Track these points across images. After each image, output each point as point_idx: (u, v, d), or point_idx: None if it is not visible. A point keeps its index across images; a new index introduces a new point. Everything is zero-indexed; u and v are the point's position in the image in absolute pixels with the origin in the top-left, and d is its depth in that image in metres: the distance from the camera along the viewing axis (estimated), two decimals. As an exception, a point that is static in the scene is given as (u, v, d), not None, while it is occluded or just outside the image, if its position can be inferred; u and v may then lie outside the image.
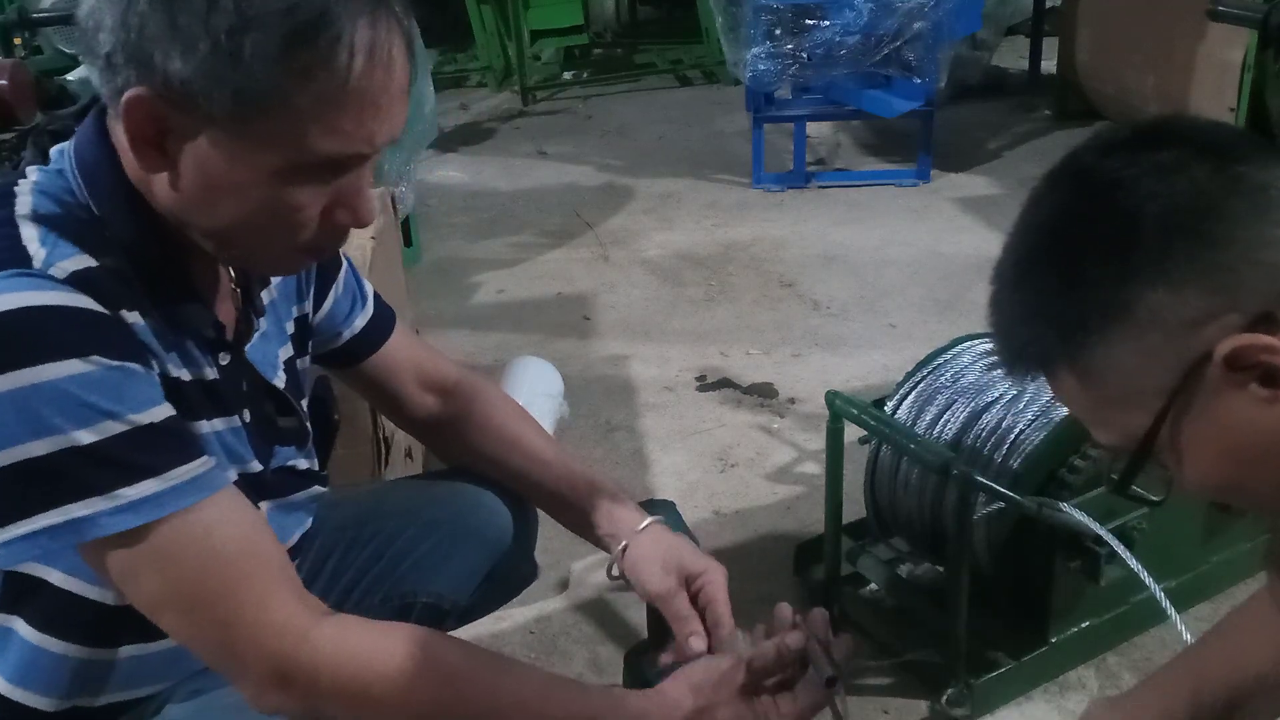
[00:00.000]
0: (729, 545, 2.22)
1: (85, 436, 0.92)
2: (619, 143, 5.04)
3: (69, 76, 3.25)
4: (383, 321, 1.37)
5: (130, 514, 0.94)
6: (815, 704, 1.15)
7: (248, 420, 1.12)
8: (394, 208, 2.85)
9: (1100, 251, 0.79)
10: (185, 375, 1.04)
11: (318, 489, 1.27)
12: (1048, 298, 0.82)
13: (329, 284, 1.30)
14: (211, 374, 1.07)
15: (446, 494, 1.44)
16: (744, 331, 3.17)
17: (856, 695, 1.81)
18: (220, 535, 0.99)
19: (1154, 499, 0.94)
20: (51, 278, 0.94)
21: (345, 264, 1.33)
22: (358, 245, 2.22)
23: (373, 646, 1.04)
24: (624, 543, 1.34)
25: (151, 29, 0.89)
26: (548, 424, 2.48)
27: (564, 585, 2.09)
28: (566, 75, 6.11)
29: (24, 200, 0.99)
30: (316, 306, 1.29)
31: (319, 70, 0.91)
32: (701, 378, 2.92)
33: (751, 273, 3.57)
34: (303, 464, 1.23)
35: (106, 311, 0.95)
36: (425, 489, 1.49)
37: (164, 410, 0.97)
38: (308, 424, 1.23)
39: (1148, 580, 1.55)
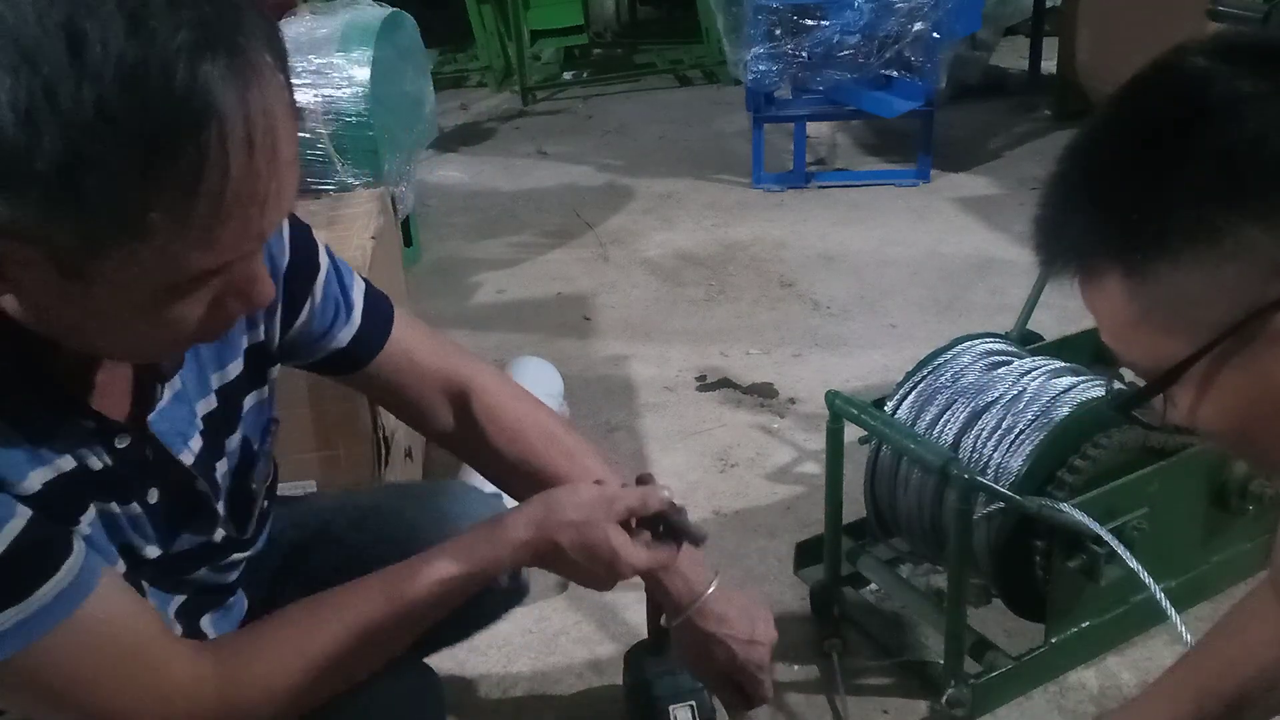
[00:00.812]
0: (729, 545, 2.22)
1: None
2: (619, 143, 5.04)
3: None
4: (376, 323, 1.25)
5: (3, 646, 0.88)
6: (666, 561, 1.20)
7: (153, 502, 1.03)
8: (394, 208, 2.85)
9: (1208, 169, 0.73)
10: (50, 474, 0.92)
11: (237, 555, 1.18)
12: (1127, 199, 0.76)
13: (301, 299, 1.17)
14: (100, 463, 0.96)
15: (437, 500, 1.42)
16: (744, 331, 3.17)
17: (856, 695, 1.81)
18: (103, 633, 0.94)
19: (1152, 425, 0.89)
20: None
21: (323, 272, 1.19)
22: (358, 245, 2.22)
23: (260, 664, 1.04)
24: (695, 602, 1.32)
25: None
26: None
27: (564, 585, 2.09)
28: (566, 75, 6.11)
29: None
30: (286, 326, 1.17)
31: (184, 195, 0.76)
32: (701, 378, 2.92)
33: (751, 273, 3.57)
34: (218, 536, 1.13)
35: None
36: (416, 498, 1.46)
37: (14, 530, 0.87)
38: (217, 503, 1.11)
39: (1147, 580, 1.55)
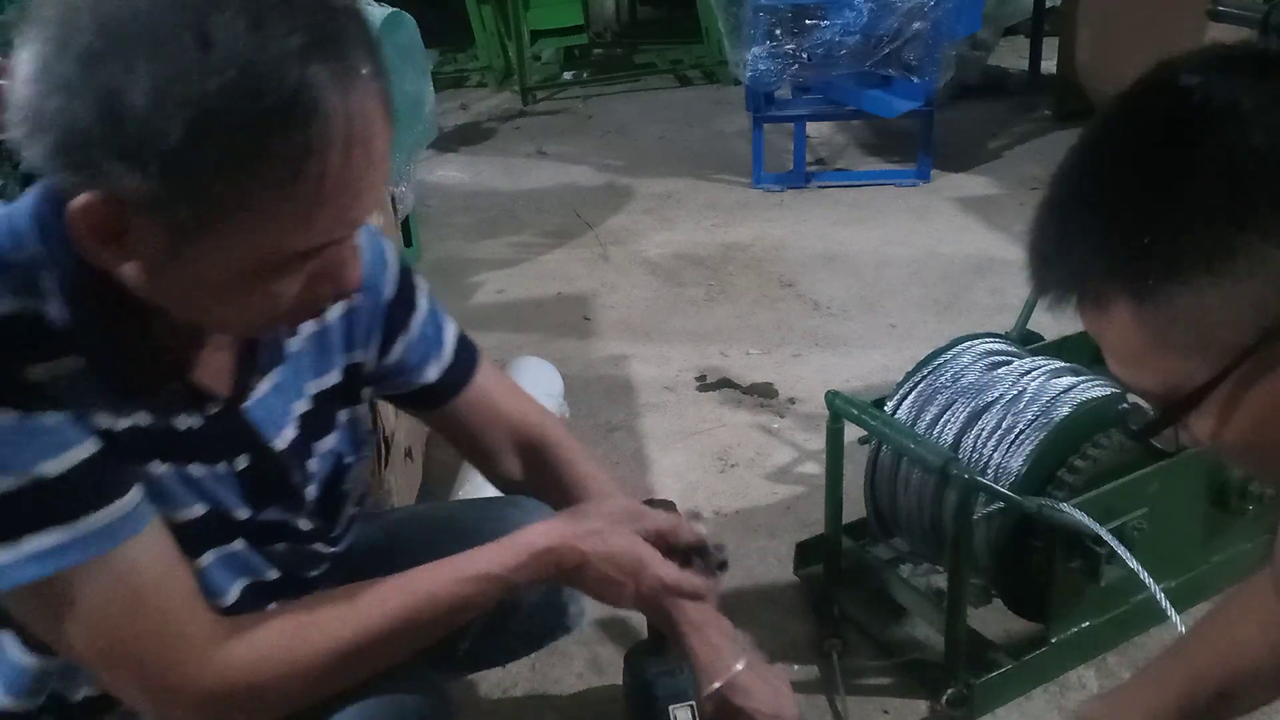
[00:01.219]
0: (729, 545, 2.21)
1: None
2: (619, 143, 5.04)
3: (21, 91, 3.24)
4: (463, 366, 1.33)
5: (36, 564, 0.92)
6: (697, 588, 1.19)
7: (241, 469, 1.09)
8: (394, 207, 2.85)
9: (1218, 188, 0.71)
10: (131, 422, 0.99)
11: (320, 548, 1.22)
12: (1135, 224, 0.74)
13: (397, 332, 1.26)
14: (189, 424, 1.03)
15: (488, 521, 1.39)
16: (744, 331, 3.17)
17: (857, 695, 1.81)
18: (134, 580, 0.97)
19: (1169, 450, 0.88)
20: None
21: (422, 311, 1.28)
22: (358, 245, 2.21)
23: (273, 645, 1.05)
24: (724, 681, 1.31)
25: (97, 142, 0.81)
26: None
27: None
28: (566, 75, 6.11)
29: None
30: (383, 355, 1.25)
31: (290, 176, 0.84)
32: (701, 378, 2.92)
33: (751, 273, 3.57)
34: (303, 524, 1.18)
35: (5, 366, 0.91)
36: (473, 517, 1.43)
37: (76, 457, 0.93)
38: (306, 489, 1.17)
39: (1147, 580, 1.55)
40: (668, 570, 1.15)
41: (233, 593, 1.12)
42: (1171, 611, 1.50)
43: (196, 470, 1.06)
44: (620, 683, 1.64)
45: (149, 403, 1.00)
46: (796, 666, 1.89)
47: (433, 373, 1.30)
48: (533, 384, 2.53)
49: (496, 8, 5.78)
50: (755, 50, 4.02)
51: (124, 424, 0.98)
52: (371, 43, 0.89)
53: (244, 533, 1.12)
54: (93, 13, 0.81)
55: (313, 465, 1.18)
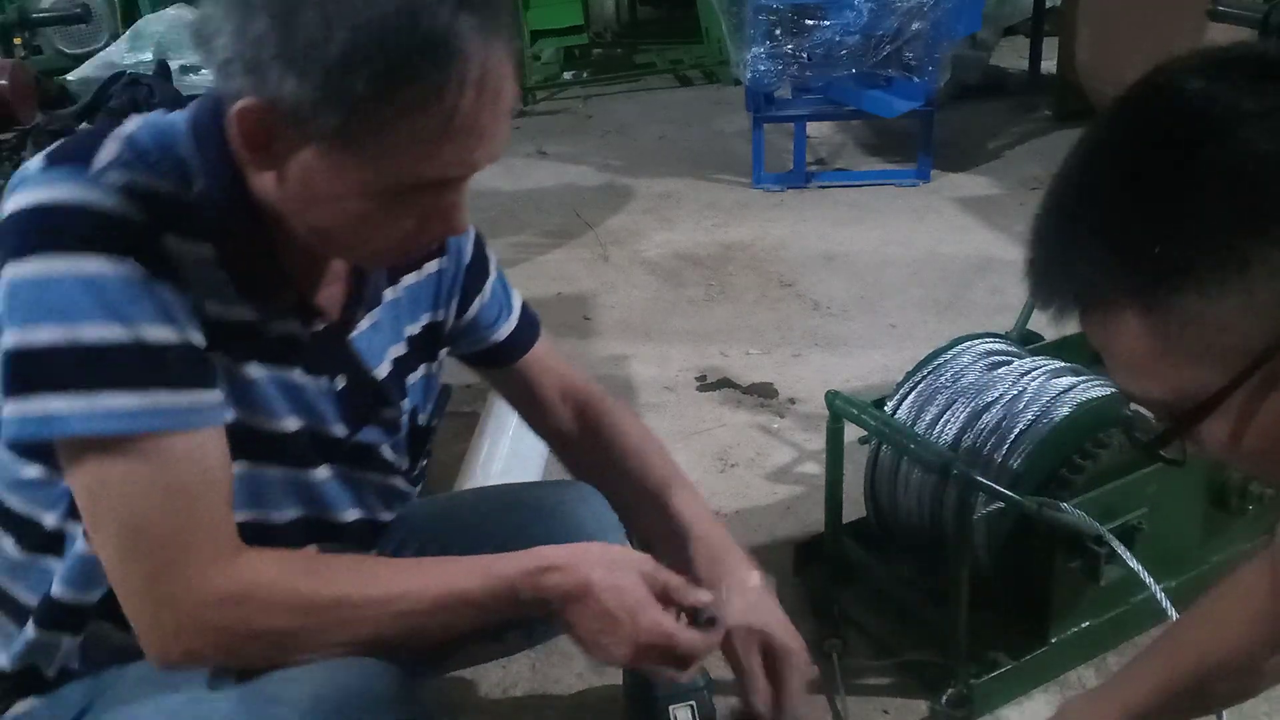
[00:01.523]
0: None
1: (89, 333, 0.95)
2: (619, 143, 5.04)
3: (69, 76, 3.25)
4: (528, 329, 1.43)
5: (103, 420, 0.96)
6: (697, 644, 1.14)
7: (340, 388, 1.17)
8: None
9: (1227, 195, 0.70)
10: (243, 318, 1.07)
11: (401, 483, 1.29)
12: (1142, 234, 0.73)
13: (474, 294, 1.36)
14: (296, 330, 1.12)
15: (527, 504, 1.43)
16: (744, 331, 3.17)
17: (857, 695, 1.81)
18: (182, 469, 1.00)
19: (1178, 459, 0.86)
20: (100, 182, 0.97)
21: (493, 275, 1.39)
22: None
23: (282, 576, 1.05)
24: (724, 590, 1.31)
25: (269, 49, 0.91)
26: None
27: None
28: (566, 75, 6.12)
29: (130, 125, 1.04)
30: (460, 313, 1.35)
31: (426, 106, 0.94)
32: (701, 378, 2.92)
33: (751, 273, 3.57)
34: (389, 454, 1.26)
35: (146, 225, 0.98)
36: (513, 499, 1.48)
37: (176, 335, 0.99)
38: (402, 417, 1.26)
39: (1147, 579, 1.55)
40: (667, 620, 1.12)
41: (290, 515, 1.16)
42: (1172, 611, 1.50)
43: (299, 377, 1.13)
44: (620, 683, 1.65)
45: (261, 303, 1.08)
46: (796, 666, 1.89)
47: (503, 332, 1.40)
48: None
49: (497, 8, 5.78)
50: (755, 50, 4.02)
51: (234, 317, 1.06)
52: (514, 13, 1.03)
53: (340, 455, 1.19)
54: None
55: (405, 404, 1.27)
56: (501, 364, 1.43)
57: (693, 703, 1.54)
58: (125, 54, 4.04)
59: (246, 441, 1.10)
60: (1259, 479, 1.80)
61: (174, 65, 3.01)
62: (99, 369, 0.96)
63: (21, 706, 1.15)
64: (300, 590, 1.05)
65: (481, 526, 1.40)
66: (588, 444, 1.46)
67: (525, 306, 1.44)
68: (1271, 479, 0.96)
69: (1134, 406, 0.87)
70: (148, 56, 3.87)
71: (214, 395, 1.04)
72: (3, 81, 2.37)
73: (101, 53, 4.23)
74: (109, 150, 1.00)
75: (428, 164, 0.97)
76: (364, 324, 1.20)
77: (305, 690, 1.02)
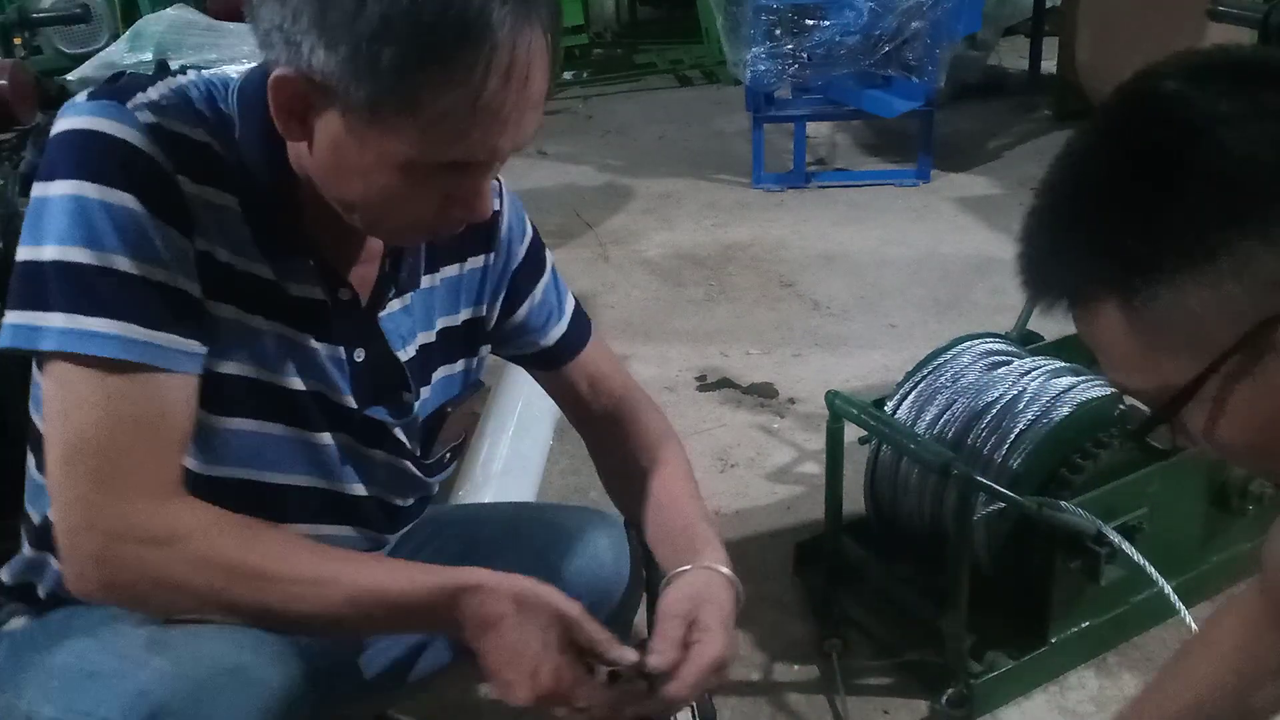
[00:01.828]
0: (729, 545, 2.20)
1: (77, 256, 0.98)
2: (619, 143, 5.04)
3: (69, 76, 3.25)
4: (579, 334, 1.42)
5: (72, 339, 0.99)
6: (597, 701, 1.10)
7: (359, 360, 1.17)
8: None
9: (1201, 192, 0.74)
10: (260, 273, 1.08)
11: (412, 468, 1.27)
12: (1122, 228, 0.77)
13: (524, 294, 1.35)
14: (319, 296, 1.12)
15: (549, 525, 1.43)
16: (744, 331, 3.17)
17: (856, 695, 1.81)
18: (138, 402, 1.01)
19: (1165, 449, 0.89)
20: (132, 116, 1.00)
21: (547, 277, 1.38)
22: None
23: (216, 528, 1.04)
24: (686, 567, 1.29)
25: (304, 20, 0.94)
26: (547, 425, 2.48)
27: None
28: (566, 75, 6.12)
29: (185, 77, 1.08)
30: (507, 313, 1.34)
31: (452, 86, 0.94)
32: (701, 378, 2.92)
33: (751, 273, 3.57)
34: (401, 435, 1.25)
35: (163, 163, 1.00)
36: (536, 517, 1.47)
37: (164, 275, 1.01)
38: (414, 401, 1.25)
39: (1153, 574, 1.55)
40: (571, 673, 1.09)
41: (295, 479, 1.16)
42: (1180, 605, 1.51)
43: (313, 343, 1.13)
44: (620, 683, 1.64)
45: (281, 264, 1.09)
46: (797, 666, 1.89)
47: (554, 335, 1.39)
48: (532, 384, 2.52)
49: (496, 8, 5.79)
50: (755, 50, 4.02)
51: (249, 269, 1.07)
52: (555, 6, 1.01)
53: (348, 426, 1.19)
54: None
55: (425, 393, 1.26)
56: (551, 366, 1.42)
57: (693, 703, 1.54)
58: (125, 54, 4.03)
59: (250, 395, 1.11)
60: (1250, 471, 1.79)
61: (174, 65, 3.00)
62: (80, 292, 0.98)
63: (16, 624, 1.18)
64: (224, 549, 1.04)
65: (502, 542, 1.40)
66: (608, 434, 1.46)
67: (578, 310, 1.43)
68: (1258, 470, 0.97)
69: (1129, 401, 0.90)
70: (148, 56, 3.86)
71: (191, 343, 1.04)
72: (3, 81, 2.37)
73: (101, 53, 4.22)
74: (152, 93, 1.04)
75: (451, 145, 0.98)
76: (395, 305, 1.21)
77: (187, 654, 1.01)
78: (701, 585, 1.27)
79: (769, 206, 4.14)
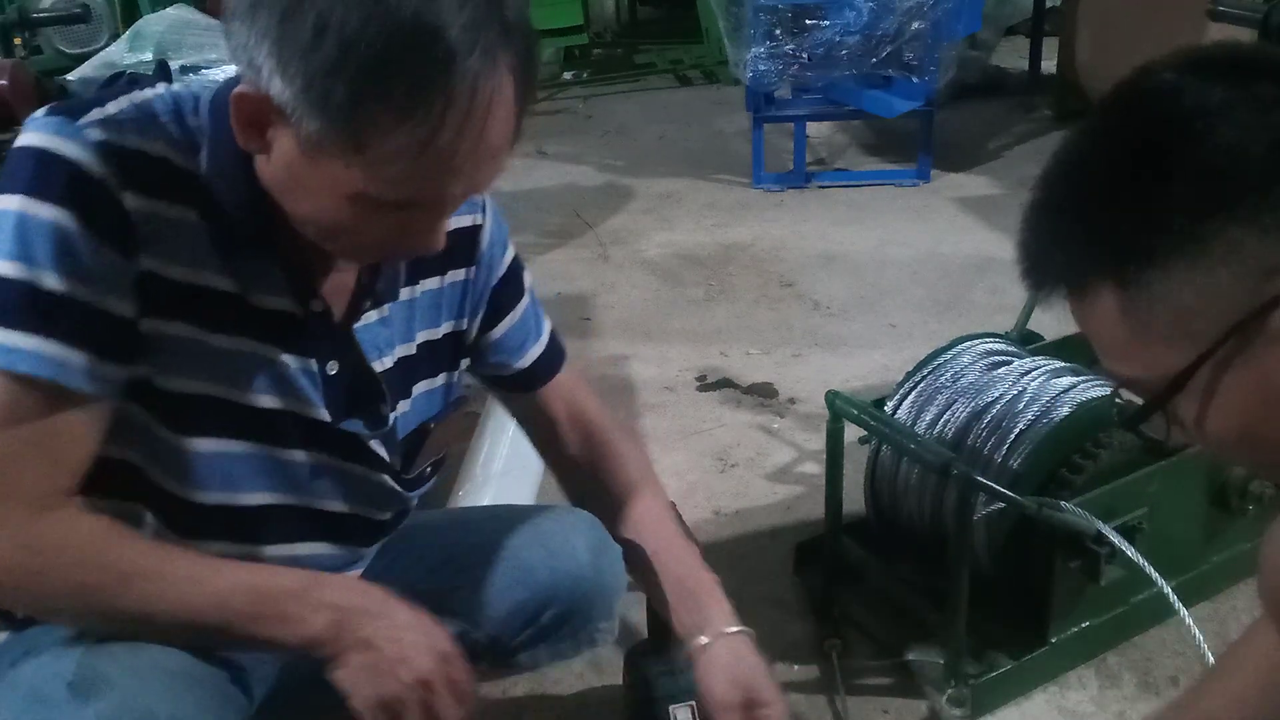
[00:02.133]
0: (729, 545, 2.22)
1: (13, 271, 0.99)
2: (619, 143, 5.04)
3: (69, 76, 3.25)
4: (552, 359, 1.41)
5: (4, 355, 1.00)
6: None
7: (333, 373, 1.17)
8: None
9: (1191, 180, 0.75)
10: (219, 286, 1.08)
11: (391, 482, 1.27)
12: (1115, 217, 0.78)
13: (503, 312, 1.35)
14: (288, 308, 1.12)
15: (523, 526, 1.42)
16: (744, 331, 3.17)
17: (856, 695, 1.81)
18: (32, 417, 1.02)
19: (1160, 439, 0.90)
20: (80, 133, 1.00)
21: (527, 299, 1.38)
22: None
23: (78, 535, 1.06)
24: (704, 640, 1.32)
25: (265, 46, 0.93)
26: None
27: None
28: (566, 75, 6.12)
29: (153, 90, 1.08)
30: (486, 329, 1.34)
31: (402, 130, 0.94)
32: (701, 378, 2.92)
33: (751, 273, 3.57)
34: (379, 449, 1.24)
35: (105, 181, 1.00)
36: (509, 519, 1.45)
37: (88, 294, 1.00)
38: (391, 414, 1.24)
39: (1153, 574, 1.55)
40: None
41: (266, 498, 1.17)
42: (1180, 606, 1.50)
43: (282, 355, 1.13)
44: (620, 683, 1.64)
45: (245, 276, 1.09)
46: (796, 666, 1.89)
47: (529, 359, 1.39)
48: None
49: (496, 8, 5.79)
50: (755, 50, 4.02)
51: (206, 283, 1.07)
52: (526, 51, 0.99)
53: (322, 442, 1.18)
54: None
55: (404, 406, 1.26)
56: (520, 390, 1.41)
57: (693, 703, 1.54)
58: (125, 54, 4.03)
59: (214, 414, 1.11)
60: (1239, 465, 1.78)
61: (174, 65, 3.00)
62: (4, 306, 0.99)
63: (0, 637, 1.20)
64: (95, 554, 1.06)
65: (478, 548, 1.39)
66: (587, 475, 1.45)
67: (554, 335, 1.43)
68: (1247, 464, 0.97)
69: (1125, 395, 0.90)
70: (148, 56, 3.86)
71: (107, 366, 1.03)
72: (3, 81, 2.37)
73: (101, 53, 4.22)
74: (111, 108, 1.04)
75: (399, 186, 0.98)
76: (371, 316, 1.20)
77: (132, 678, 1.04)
78: (734, 660, 1.31)
79: (769, 206, 4.14)
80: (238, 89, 0.97)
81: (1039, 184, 0.84)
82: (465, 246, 1.29)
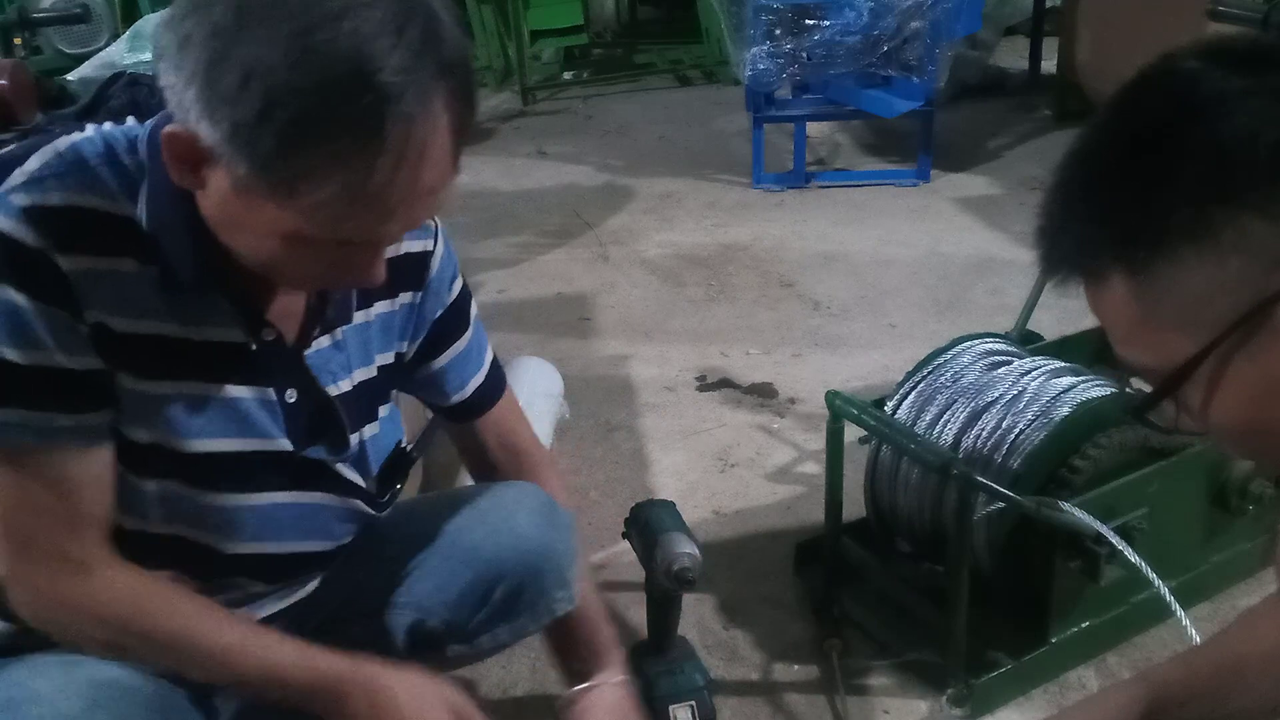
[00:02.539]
0: (729, 545, 2.22)
1: None
2: (619, 143, 5.04)
3: (69, 76, 3.25)
4: (491, 391, 1.42)
5: None
6: None
7: (291, 401, 1.17)
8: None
9: (1203, 166, 0.75)
10: (163, 331, 1.08)
11: (362, 506, 1.28)
12: (1127, 201, 0.78)
13: (446, 343, 1.35)
14: (238, 339, 1.12)
15: (464, 508, 1.42)
16: (744, 331, 3.17)
17: (856, 695, 1.81)
18: (52, 486, 1.07)
19: (1166, 430, 0.90)
20: (5, 202, 1.00)
21: (471, 332, 1.38)
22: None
23: (119, 602, 1.12)
24: (589, 685, 1.41)
25: (193, 89, 0.92)
26: (548, 424, 2.48)
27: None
28: (566, 75, 6.12)
29: (81, 134, 1.07)
30: (427, 357, 1.34)
31: (333, 176, 0.93)
32: (701, 378, 2.92)
33: (751, 273, 3.57)
34: (350, 474, 1.25)
35: (36, 248, 1.00)
36: (451, 503, 1.45)
37: (47, 356, 1.02)
38: (349, 436, 1.24)
39: (1151, 576, 1.55)
40: None
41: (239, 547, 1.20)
42: (1177, 607, 1.50)
43: (235, 390, 1.14)
44: (620, 682, 1.64)
45: (192, 314, 1.09)
46: (796, 666, 1.89)
47: (468, 391, 1.39)
48: (532, 384, 2.53)
49: (496, 8, 5.79)
50: (755, 50, 4.02)
51: (148, 330, 1.07)
52: (465, 92, 0.97)
53: (288, 472, 1.19)
54: None
55: (370, 430, 1.27)
56: (457, 419, 1.43)
57: (693, 703, 1.55)
58: (125, 54, 4.04)
59: (165, 461, 1.13)
60: (1245, 457, 1.78)
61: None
62: None
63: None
64: (133, 623, 1.12)
65: (425, 536, 1.40)
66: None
67: (495, 366, 1.44)
68: (1254, 456, 0.97)
69: (1136, 383, 0.91)
70: (148, 56, 3.86)
71: (85, 417, 1.06)
72: (3, 81, 2.37)
73: (101, 53, 4.22)
74: (32, 163, 1.03)
75: (333, 227, 0.97)
76: (324, 341, 1.20)
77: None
78: (610, 709, 1.39)
79: (769, 206, 4.14)
80: (168, 128, 0.96)
81: (1058, 168, 0.84)
82: (415, 270, 1.29)
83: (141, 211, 1.05)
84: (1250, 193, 0.74)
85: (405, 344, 1.31)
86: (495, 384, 1.43)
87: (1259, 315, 0.75)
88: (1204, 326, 0.77)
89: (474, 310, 1.39)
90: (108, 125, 1.09)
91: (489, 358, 1.42)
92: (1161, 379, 0.82)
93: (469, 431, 1.44)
